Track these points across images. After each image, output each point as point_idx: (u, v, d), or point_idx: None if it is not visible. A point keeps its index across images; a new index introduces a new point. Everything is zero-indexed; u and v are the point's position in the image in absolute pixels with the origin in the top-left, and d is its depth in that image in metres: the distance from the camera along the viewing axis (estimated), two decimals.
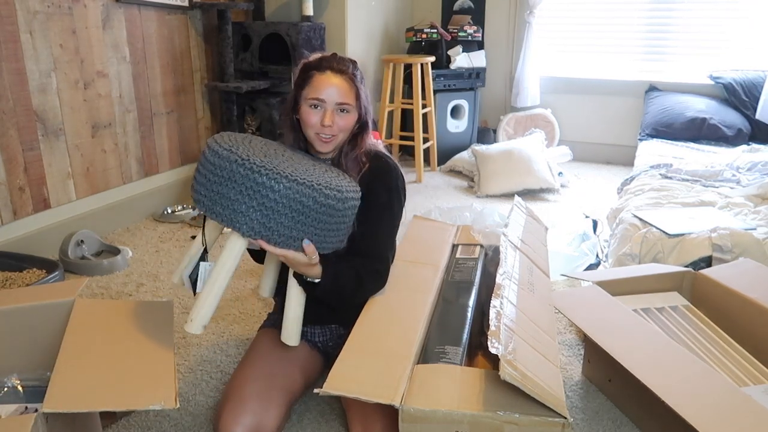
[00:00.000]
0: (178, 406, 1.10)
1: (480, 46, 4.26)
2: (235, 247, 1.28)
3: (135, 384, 1.14)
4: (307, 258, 1.27)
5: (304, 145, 1.50)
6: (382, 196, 1.46)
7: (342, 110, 1.41)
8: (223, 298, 2.14)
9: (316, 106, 1.41)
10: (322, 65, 1.42)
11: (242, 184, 1.18)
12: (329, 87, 1.40)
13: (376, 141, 1.56)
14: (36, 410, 1.09)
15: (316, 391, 1.11)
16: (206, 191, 1.24)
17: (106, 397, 1.11)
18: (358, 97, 1.43)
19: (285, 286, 1.64)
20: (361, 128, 1.48)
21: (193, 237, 2.73)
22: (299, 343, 1.46)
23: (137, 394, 1.11)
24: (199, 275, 1.43)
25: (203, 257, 1.42)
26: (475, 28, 4.08)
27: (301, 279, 1.37)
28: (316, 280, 1.35)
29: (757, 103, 3.67)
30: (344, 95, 1.40)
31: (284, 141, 1.52)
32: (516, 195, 2.45)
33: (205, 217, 1.35)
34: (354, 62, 1.46)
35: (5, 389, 1.34)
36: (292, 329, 1.42)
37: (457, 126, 4.15)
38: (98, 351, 1.24)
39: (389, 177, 1.48)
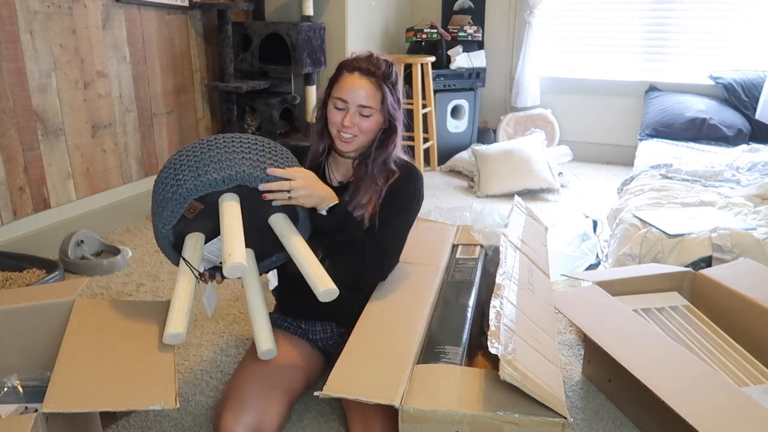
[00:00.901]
0: (178, 406, 1.10)
1: (480, 46, 4.26)
2: (232, 204, 1.29)
3: (135, 384, 1.14)
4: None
5: (329, 141, 1.52)
6: (403, 198, 1.50)
7: (364, 113, 1.42)
8: (223, 298, 2.15)
9: (340, 106, 1.43)
10: (352, 65, 1.44)
11: (239, 143, 1.32)
12: (354, 88, 1.41)
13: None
14: (36, 410, 1.09)
15: (316, 393, 1.11)
16: (206, 163, 1.27)
17: (106, 397, 1.11)
18: (383, 101, 1.44)
19: (286, 289, 1.65)
20: (387, 132, 1.50)
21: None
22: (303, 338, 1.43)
23: (137, 394, 1.11)
24: (206, 299, 1.43)
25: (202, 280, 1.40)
26: (475, 28, 4.08)
27: (318, 216, 1.37)
28: (334, 203, 1.36)
29: (757, 103, 3.67)
30: (368, 98, 1.42)
31: (311, 132, 1.56)
32: (516, 195, 2.45)
33: (182, 260, 1.33)
34: (390, 64, 1.47)
35: (5, 389, 1.34)
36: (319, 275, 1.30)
37: (457, 126, 4.15)
38: (98, 351, 1.24)
39: (415, 184, 1.53)
